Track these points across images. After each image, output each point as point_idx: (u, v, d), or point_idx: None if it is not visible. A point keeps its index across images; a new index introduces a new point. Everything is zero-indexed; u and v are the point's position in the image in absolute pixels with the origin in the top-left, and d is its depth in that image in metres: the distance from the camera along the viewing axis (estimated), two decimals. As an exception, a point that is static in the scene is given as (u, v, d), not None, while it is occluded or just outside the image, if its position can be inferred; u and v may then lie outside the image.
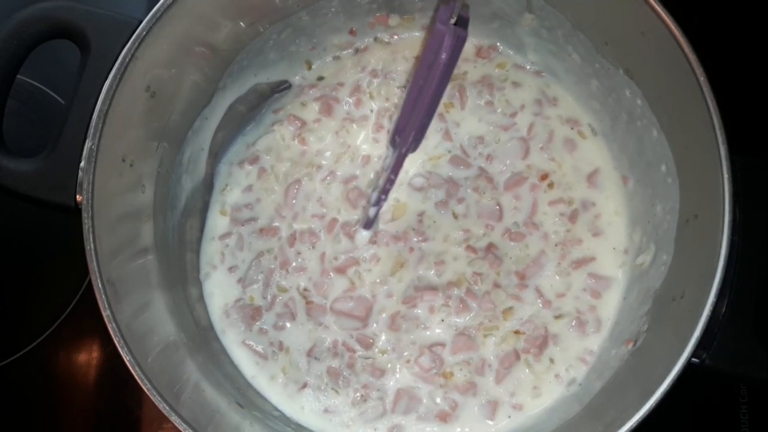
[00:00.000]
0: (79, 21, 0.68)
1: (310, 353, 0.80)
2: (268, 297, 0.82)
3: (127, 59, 0.67)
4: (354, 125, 0.86)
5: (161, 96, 0.73)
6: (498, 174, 0.84)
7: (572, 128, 0.85)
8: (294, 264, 0.82)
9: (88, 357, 0.88)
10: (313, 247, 0.83)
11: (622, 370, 0.72)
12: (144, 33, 0.67)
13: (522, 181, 0.83)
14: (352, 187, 0.84)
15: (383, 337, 0.80)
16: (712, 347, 0.64)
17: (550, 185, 0.83)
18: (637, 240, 0.79)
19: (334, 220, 0.83)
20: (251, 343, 0.81)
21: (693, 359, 0.63)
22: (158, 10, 0.68)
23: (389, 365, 0.79)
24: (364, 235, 0.83)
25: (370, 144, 0.85)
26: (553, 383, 0.78)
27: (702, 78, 0.65)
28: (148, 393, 0.62)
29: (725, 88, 0.65)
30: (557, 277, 0.80)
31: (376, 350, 0.80)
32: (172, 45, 0.71)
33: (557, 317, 0.79)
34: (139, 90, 0.70)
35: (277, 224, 0.84)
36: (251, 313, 0.81)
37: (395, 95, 0.86)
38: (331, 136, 0.86)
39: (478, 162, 0.84)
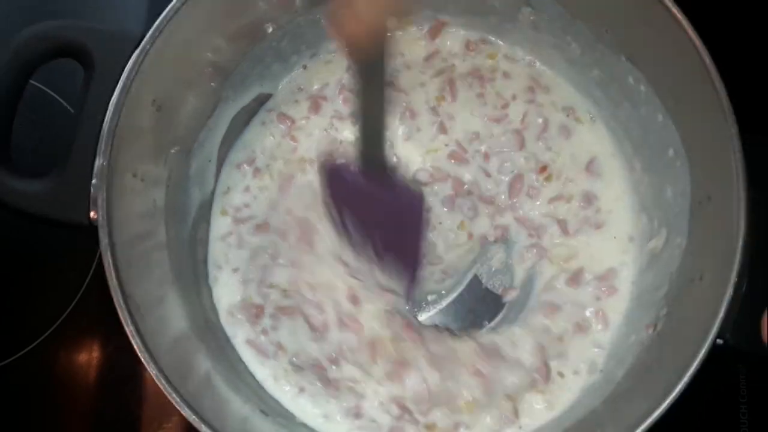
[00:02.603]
0: (82, 39, 0.68)
1: (296, 358, 0.79)
2: (263, 295, 0.81)
3: (133, 74, 0.67)
4: (342, 122, 0.85)
5: (167, 109, 0.73)
6: (497, 173, 0.84)
7: (568, 115, 0.85)
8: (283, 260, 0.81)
9: (88, 357, 0.87)
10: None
11: (645, 355, 0.72)
12: (148, 47, 0.67)
13: (521, 180, 0.83)
14: None
15: (346, 368, 0.78)
16: (734, 326, 0.63)
17: (548, 178, 0.83)
18: (645, 226, 0.79)
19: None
20: (256, 343, 0.80)
21: (717, 340, 0.62)
22: (160, 23, 0.68)
23: (367, 394, 0.77)
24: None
25: None
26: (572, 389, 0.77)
27: (707, 59, 0.65)
28: (177, 407, 0.62)
29: (730, 66, 0.66)
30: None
31: (345, 371, 0.78)
32: (175, 57, 0.71)
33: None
34: (145, 104, 0.70)
35: (271, 219, 0.83)
36: (255, 312, 0.80)
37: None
38: (319, 131, 0.85)
39: (476, 160, 0.84)
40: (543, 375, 0.77)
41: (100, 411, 0.87)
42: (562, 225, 0.82)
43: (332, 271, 0.79)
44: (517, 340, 0.78)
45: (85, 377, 0.87)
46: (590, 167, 0.83)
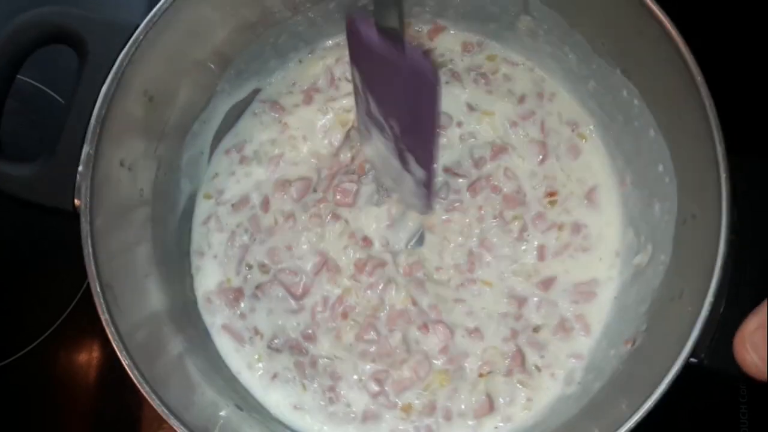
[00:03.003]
0: (76, 26, 0.68)
1: (276, 340, 0.80)
2: (242, 276, 0.81)
3: (125, 63, 0.67)
4: (337, 102, 0.86)
5: (159, 100, 0.73)
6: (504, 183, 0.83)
7: (573, 130, 0.84)
8: (263, 234, 0.82)
9: (88, 357, 0.88)
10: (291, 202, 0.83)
11: (621, 369, 0.72)
12: (141, 37, 0.67)
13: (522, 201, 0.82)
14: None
15: (322, 341, 0.80)
16: (710, 347, 0.63)
17: (553, 203, 0.82)
18: (632, 241, 0.79)
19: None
20: (233, 328, 0.80)
21: (692, 359, 0.62)
22: (155, 14, 0.68)
23: (344, 372, 0.79)
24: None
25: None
26: (550, 389, 0.78)
27: (699, 78, 0.65)
28: (148, 398, 0.63)
29: (722, 86, 0.65)
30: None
31: (321, 346, 0.80)
32: (169, 49, 0.71)
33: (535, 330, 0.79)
34: (137, 94, 0.70)
35: (251, 195, 0.83)
36: (234, 296, 0.81)
37: None
38: (313, 113, 0.86)
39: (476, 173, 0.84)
40: (518, 362, 0.77)
41: (100, 411, 0.88)
42: (540, 251, 0.81)
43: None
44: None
45: (85, 377, 0.88)
46: (590, 195, 0.82)
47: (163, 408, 0.63)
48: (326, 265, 0.81)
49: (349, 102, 0.85)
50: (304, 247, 0.81)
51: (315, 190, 0.83)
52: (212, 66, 0.79)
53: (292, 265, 0.81)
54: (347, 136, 0.84)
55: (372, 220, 0.82)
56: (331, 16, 0.83)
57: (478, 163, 0.83)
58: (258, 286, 0.81)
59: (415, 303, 0.79)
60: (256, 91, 0.87)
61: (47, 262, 0.91)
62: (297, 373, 0.78)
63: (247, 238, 0.82)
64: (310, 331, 0.79)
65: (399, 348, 0.78)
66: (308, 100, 0.86)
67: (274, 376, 0.79)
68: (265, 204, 0.83)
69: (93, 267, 0.63)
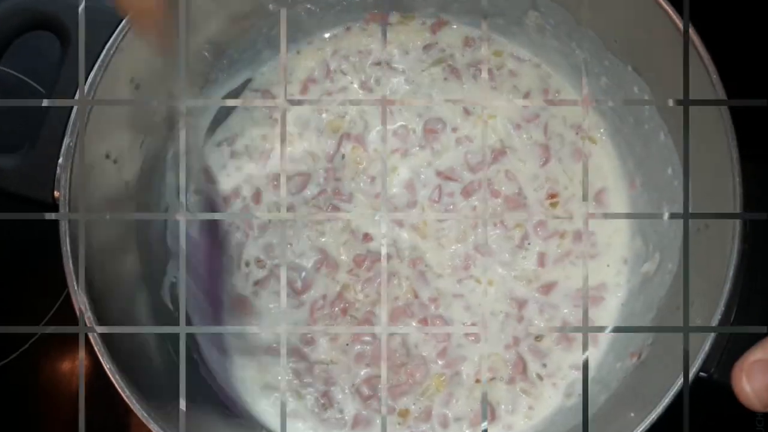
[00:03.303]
0: (58, 12, 0.66)
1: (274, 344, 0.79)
2: (241, 275, 0.80)
3: (112, 51, 0.65)
4: (333, 95, 0.84)
5: (146, 89, 0.70)
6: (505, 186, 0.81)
7: (576, 133, 0.82)
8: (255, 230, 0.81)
9: (72, 365, 0.87)
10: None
11: (626, 383, 0.70)
12: (128, 25, 0.65)
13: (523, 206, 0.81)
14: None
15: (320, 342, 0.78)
16: (720, 361, 0.61)
17: (554, 204, 0.80)
18: (639, 249, 0.78)
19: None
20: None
21: (701, 373, 0.61)
22: (144, 0, 0.66)
23: (338, 376, 0.77)
24: None
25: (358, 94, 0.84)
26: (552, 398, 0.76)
27: (714, 76, 0.63)
28: (129, 403, 0.62)
29: (737, 89, 0.63)
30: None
31: (319, 348, 0.78)
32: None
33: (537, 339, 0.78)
34: (123, 83, 0.68)
35: (242, 188, 0.82)
36: None
37: (369, 71, 0.85)
38: (309, 111, 0.84)
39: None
40: (520, 369, 0.76)
41: (87, 419, 0.85)
42: (541, 257, 0.80)
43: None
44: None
45: (69, 385, 0.87)
46: (598, 197, 0.81)
47: (143, 413, 0.61)
48: (326, 261, 0.79)
49: (344, 106, 0.84)
50: (302, 245, 0.80)
51: (314, 186, 0.82)
52: (206, 54, 0.78)
53: (293, 258, 0.80)
54: (340, 145, 0.82)
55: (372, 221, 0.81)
56: (330, 7, 0.82)
57: (474, 168, 0.81)
58: (257, 282, 0.80)
59: (416, 295, 0.78)
60: (248, 81, 0.85)
61: (28, 266, 0.88)
62: (291, 378, 0.77)
63: (242, 236, 0.80)
64: (309, 335, 0.78)
65: (398, 351, 0.77)
66: (303, 91, 0.84)
67: (266, 380, 0.77)
68: (257, 197, 0.81)
69: (70, 264, 0.61)
